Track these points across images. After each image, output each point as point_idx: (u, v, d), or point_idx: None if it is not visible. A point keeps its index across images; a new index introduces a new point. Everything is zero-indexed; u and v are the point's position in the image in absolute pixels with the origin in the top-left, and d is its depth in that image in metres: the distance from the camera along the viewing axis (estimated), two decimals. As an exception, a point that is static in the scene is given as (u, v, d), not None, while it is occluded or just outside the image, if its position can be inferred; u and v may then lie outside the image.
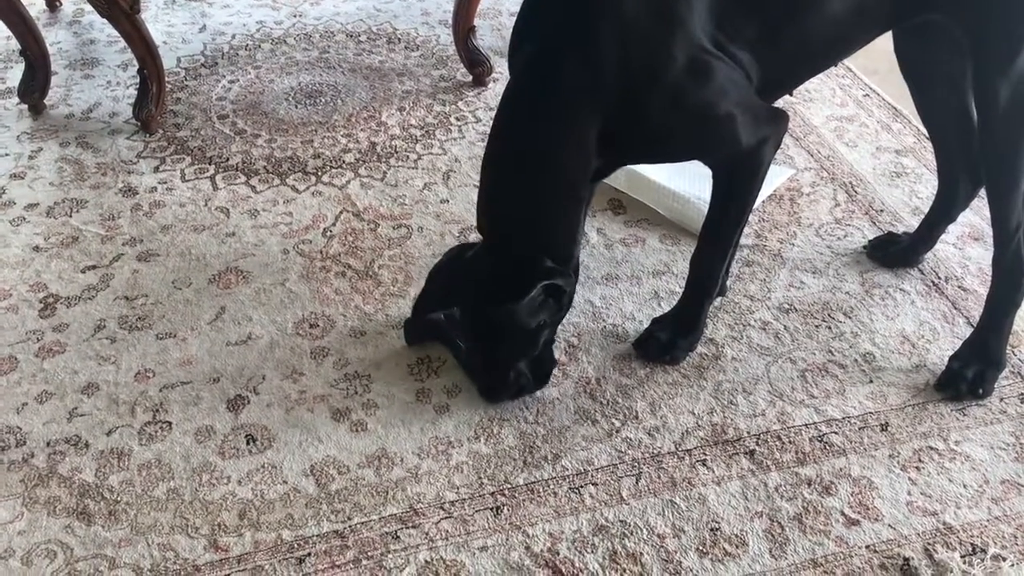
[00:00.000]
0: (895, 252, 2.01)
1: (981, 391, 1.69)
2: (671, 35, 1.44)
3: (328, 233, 2.12)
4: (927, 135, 1.95)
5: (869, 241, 2.06)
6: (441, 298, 1.69)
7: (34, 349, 1.83)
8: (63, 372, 1.78)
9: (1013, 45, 1.51)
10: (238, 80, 2.73)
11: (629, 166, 2.18)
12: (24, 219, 2.18)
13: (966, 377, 1.69)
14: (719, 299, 1.88)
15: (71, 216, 2.19)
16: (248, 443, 1.64)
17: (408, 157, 2.39)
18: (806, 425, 1.67)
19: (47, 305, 1.93)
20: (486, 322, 1.60)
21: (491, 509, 1.53)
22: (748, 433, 1.65)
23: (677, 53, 1.44)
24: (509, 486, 1.56)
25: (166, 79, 2.54)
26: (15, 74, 2.67)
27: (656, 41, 1.44)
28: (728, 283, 1.92)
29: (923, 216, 2.04)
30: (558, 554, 1.46)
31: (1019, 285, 1.67)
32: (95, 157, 2.40)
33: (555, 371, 1.76)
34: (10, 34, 2.56)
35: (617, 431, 1.66)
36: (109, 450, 1.63)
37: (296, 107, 2.59)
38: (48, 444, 1.64)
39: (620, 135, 1.51)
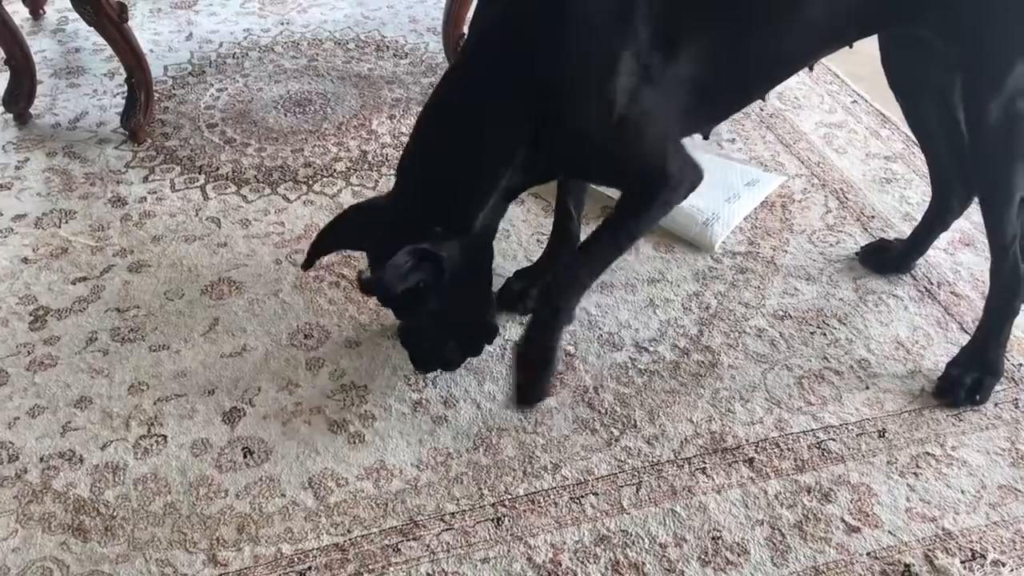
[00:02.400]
0: (887, 258, 2.02)
1: (978, 398, 1.70)
2: (612, 53, 1.43)
3: (321, 243, 2.11)
4: (917, 144, 1.96)
5: (861, 247, 2.07)
6: (340, 236, 1.66)
7: (25, 362, 1.81)
8: (55, 385, 1.76)
9: (1003, 62, 1.52)
10: (226, 88, 2.71)
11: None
12: (12, 230, 2.15)
13: (964, 384, 1.71)
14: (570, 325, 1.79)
15: (60, 227, 2.16)
16: (245, 456, 1.63)
17: (399, 165, 2.38)
18: (804, 432, 1.67)
19: (37, 318, 1.91)
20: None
21: (492, 520, 1.52)
22: (747, 441, 1.66)
23: (616, 74, 1.44)
24: (509, 497, 1.56)
25: (154, 88, 2.52)
26: (-1, 83, 2.65)
27: (596, 57, 1.44)
28: (576, 312, 1.76)
29: (914, 222, 2.05)
30: (560, 565, 1.45)
31: (1016, 295, 1.68)
32: (83, 167, 2.38)
33: (552, 379, 1.75)
34: (-6, 42, 2.53)
35: (616, 440, 1.66)
36: (104, 464, 1.61)
37: (285, 115, 2.58)
38: (41, 459, 1.62)
39: (549, 140, 1.50)
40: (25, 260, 2.06)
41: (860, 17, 1.57)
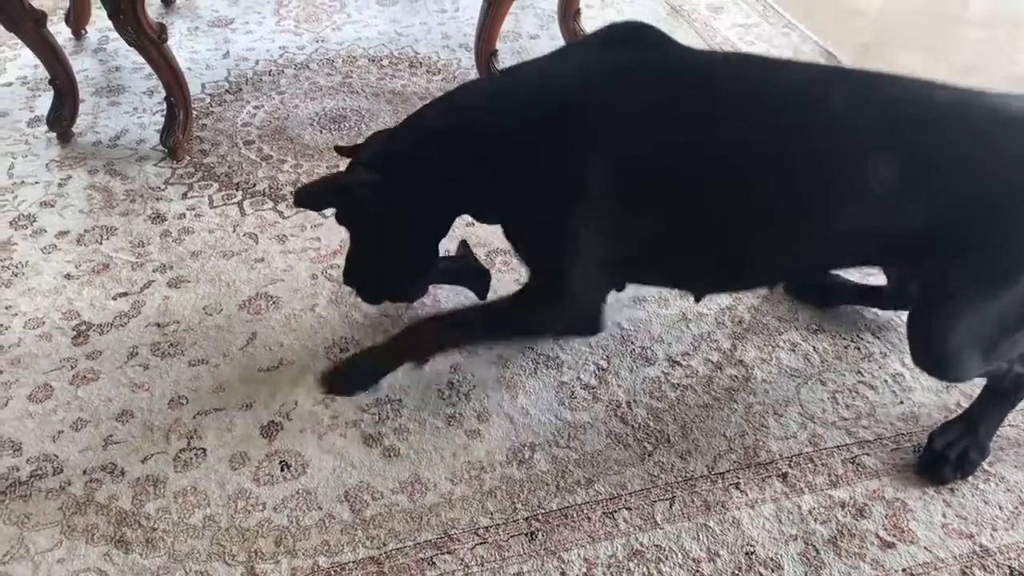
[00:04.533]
0: (816, 289, 1.99)
1: None
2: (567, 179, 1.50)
3: (356, 258, 2.14)
4: None
5: None
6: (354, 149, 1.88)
7: (68, 377, 1.85)
8: (97, 399, 1.80)
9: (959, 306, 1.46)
10: (263, 106, 2.76)
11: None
12: (55, 247, 2.21)
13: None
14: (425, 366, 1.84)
15: (101, 243, 2.21)
16: (282, 469, 1.65)
17: (433, 181, 2.40)
18: (838, 447, 1.67)
19: (80, 333, 1.95)
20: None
21: (525, 534, 1.53)
22: (780, 455, 1.65)
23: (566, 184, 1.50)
24: (543, 511, 1.57)
25: (192, 105, 2.57)
26: (44, 102, 2.71)
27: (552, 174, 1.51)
28: (428, 361, 1.84)
29: None
30: (594, 579, 1.46)
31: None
32: (123, 184, 2.43)
33: (585, 394, 1.76)
34: (38, 62, 2.59)
35: (649, 455, 1.66)
36: (145, 477, 1.64)
37: (321, 132, 2.62)
38: (84, 472, 1.65)
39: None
40: (68, 276, 2.11)
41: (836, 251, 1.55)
